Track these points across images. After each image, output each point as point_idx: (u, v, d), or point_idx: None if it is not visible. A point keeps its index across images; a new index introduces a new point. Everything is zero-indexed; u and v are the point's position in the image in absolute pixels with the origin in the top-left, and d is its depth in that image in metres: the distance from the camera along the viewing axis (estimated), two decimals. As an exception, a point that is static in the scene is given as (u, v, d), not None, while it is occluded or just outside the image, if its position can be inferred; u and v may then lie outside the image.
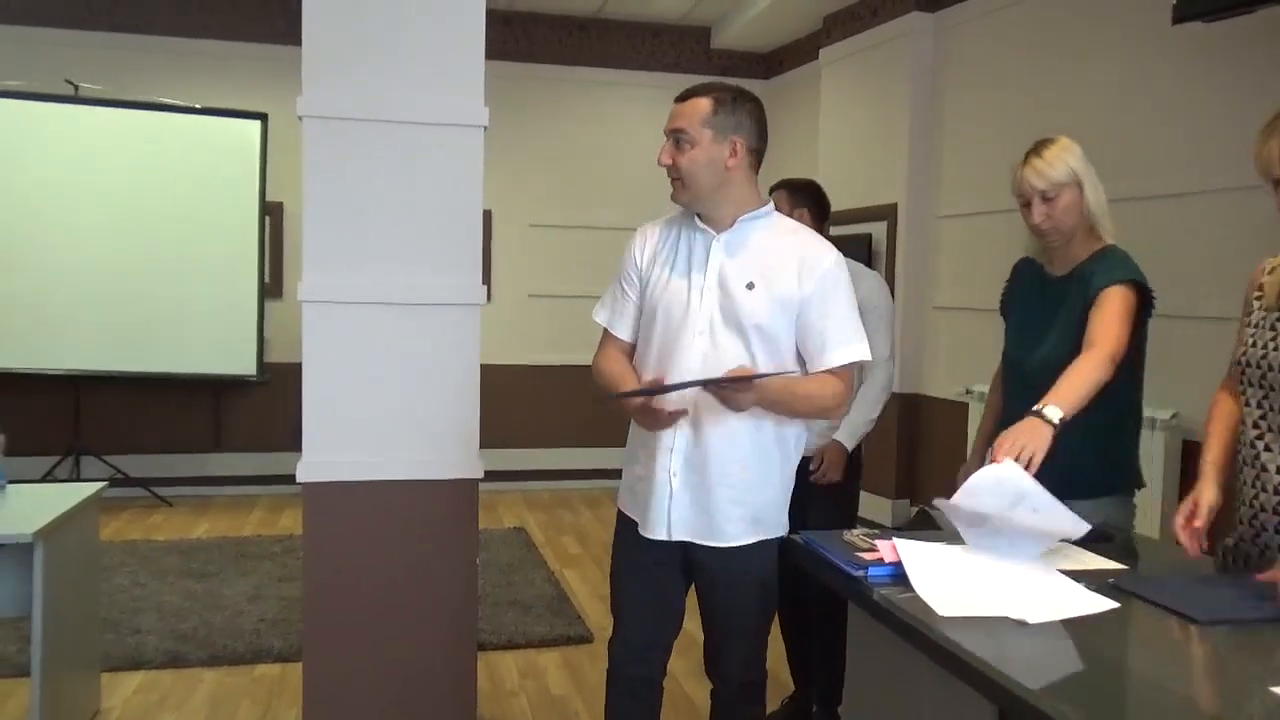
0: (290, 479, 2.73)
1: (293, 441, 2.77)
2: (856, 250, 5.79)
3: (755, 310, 2.12)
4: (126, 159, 6.11)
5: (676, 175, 2.17)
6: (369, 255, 2.70)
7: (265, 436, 6.64)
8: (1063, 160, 2.29)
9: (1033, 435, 1.98)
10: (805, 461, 3.03)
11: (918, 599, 1.66)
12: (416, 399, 2.75)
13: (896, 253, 5.92)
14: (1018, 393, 2.42)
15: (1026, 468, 1.89)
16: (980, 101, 5.45)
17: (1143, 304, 2.28)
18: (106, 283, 6.05)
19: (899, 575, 1.76)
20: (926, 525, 6.23)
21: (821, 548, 1.93)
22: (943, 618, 1.58)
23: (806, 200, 3.11)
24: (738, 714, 2.31)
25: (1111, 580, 1.78)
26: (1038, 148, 2.33)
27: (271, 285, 6.53)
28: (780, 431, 2.20)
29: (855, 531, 1.99)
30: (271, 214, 6.53)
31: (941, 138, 5.77)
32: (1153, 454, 3.80)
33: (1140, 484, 2.44)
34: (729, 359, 2.12)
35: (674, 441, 2.16)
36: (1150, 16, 4.18)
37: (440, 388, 2.76)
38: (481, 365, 2.83)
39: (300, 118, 2.66)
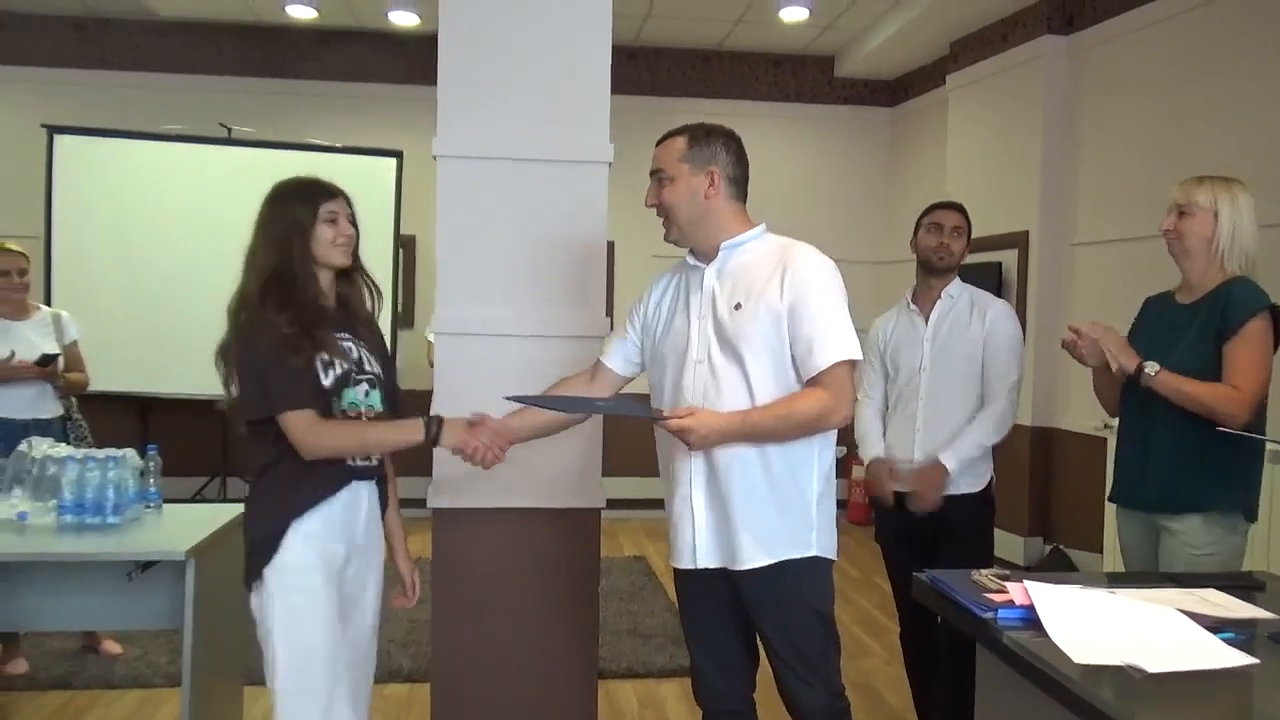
0: (420, 503, 2.82)
1: (423, 466, 2.86)
2: (986, 279, 5.64)
3: (744, 330, 2.13)
4: (273, 196, 6.45)
5: (664, 213, 2.23)
6: (498, 289, 2.79)
7: (396, 461, 6.86)
8: (1212, 190, 2.42)
9: (1122, 349, 2.39)
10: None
11: (1051, 644, 1.60)
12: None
13: (1028, 281, 5.74)
14: (1136, 408, 2.50)
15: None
16: (1118, 125, 5.26)
17: (1275, 331, 2.38)
18: (253, 313, 6.40)
19: (1030, 618, 1.70)
20: (1061, 565, 5.98)
21: (948, 587, 1.88)
22: (1079, 665, 1.52)
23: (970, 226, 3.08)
24: None
25: (1270, 633, 1.68)
26: (1210, 176, 2.46)
27: (404, 315, 6.78)
28: (787, 449, 2.16)
29: (984, 571, 1.94)
30: (405, 247, 6.79)
31: (1076, 163, 5.58)
32: (1274, 489, 3.56)
33: (1251, 516, 2.42)
34: (728, 385, 2.14)
35: (691, 470, 2.19)
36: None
37: (566, 419, 2.81)
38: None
39: (435, 157, 2.78)
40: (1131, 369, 2.38)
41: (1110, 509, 4.11)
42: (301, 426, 2.12)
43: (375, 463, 2.32)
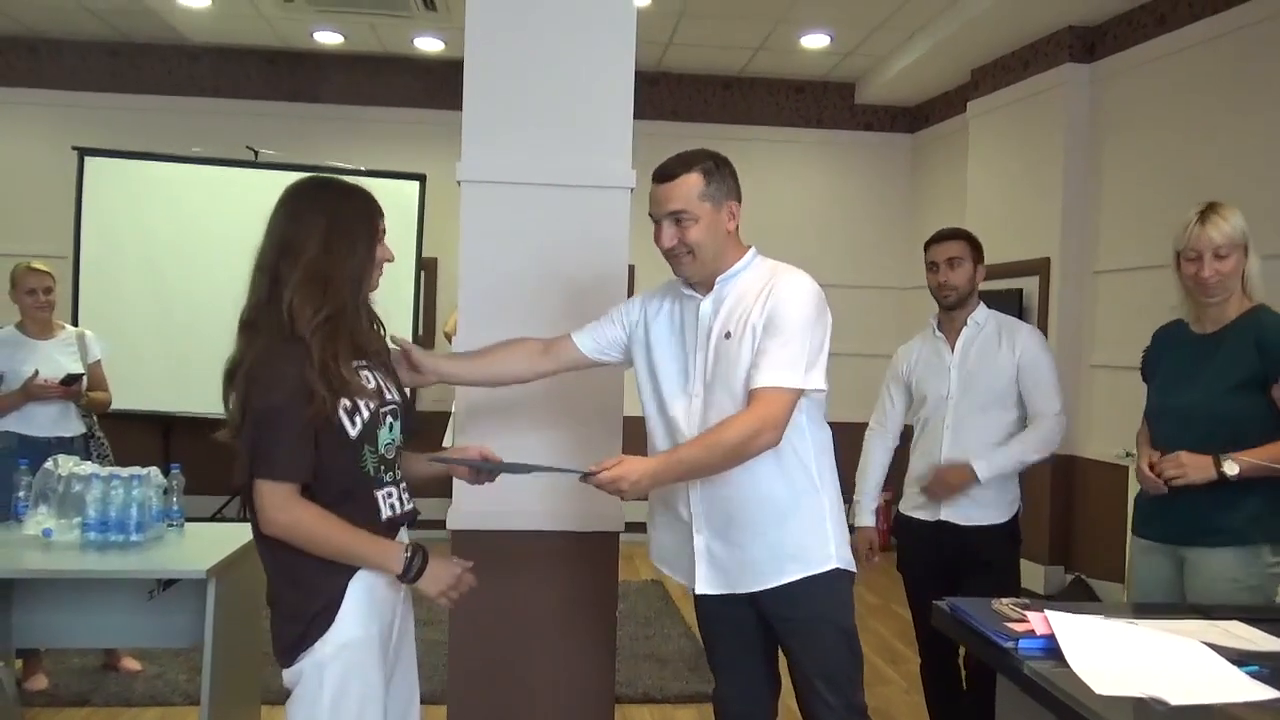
0: (438, 524, 2.83)
1: (443, 488, 2.87)
2: (1007, 306, 5.62)
3: (736, 359, 2.12)
4: (297, 218, 6.53)
5: (685, 251, 2.15)
6: (520, 312, 2.80)
7: (413, 484, 6.88)
8: (1237, 224, 2.40)
9: (1195, 469, 2.30)
10: (952, 535, 2.94)
11: (1072, 674, 1.59)
12: (561, 451, 2.81)
13: (1050, 308, 5.72)
14: (1169, 435, 2.46)
15: (1164, 479, 2.34)
16: (1140, 153, 5.25)
17: None
18: (276, 333, 6.46)
19: (1051, 648, 1.69)
20: (1083, 595, 5.90)
21: (969, 616, 1.87)
22: (1100, 696, 1.51)
23: (980, 255, 3.07)
24: None
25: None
26: (1216, 208, 2.42)
27: (424, 337, 6.82)
28: (785, 469, 2.14)
29: (1005, 600, 1.92)
30: (426, 269, 6.84)
31: (1098, 190, 5.57)
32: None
33: None
34: (721, 415, 2.11)
35: (689, 494, 2.17)
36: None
37: (584, 441, 2.82)
38: (623, 417, 2.88)
39: (459, 182, 2.80)
40: (1214, 476, 2.31)
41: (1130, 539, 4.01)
42: (275, 501, 1.83)
43: (411, 506, 2.06)
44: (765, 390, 2.06)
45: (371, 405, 1.94)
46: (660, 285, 2.37)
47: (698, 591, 2.21)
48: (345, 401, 1.87)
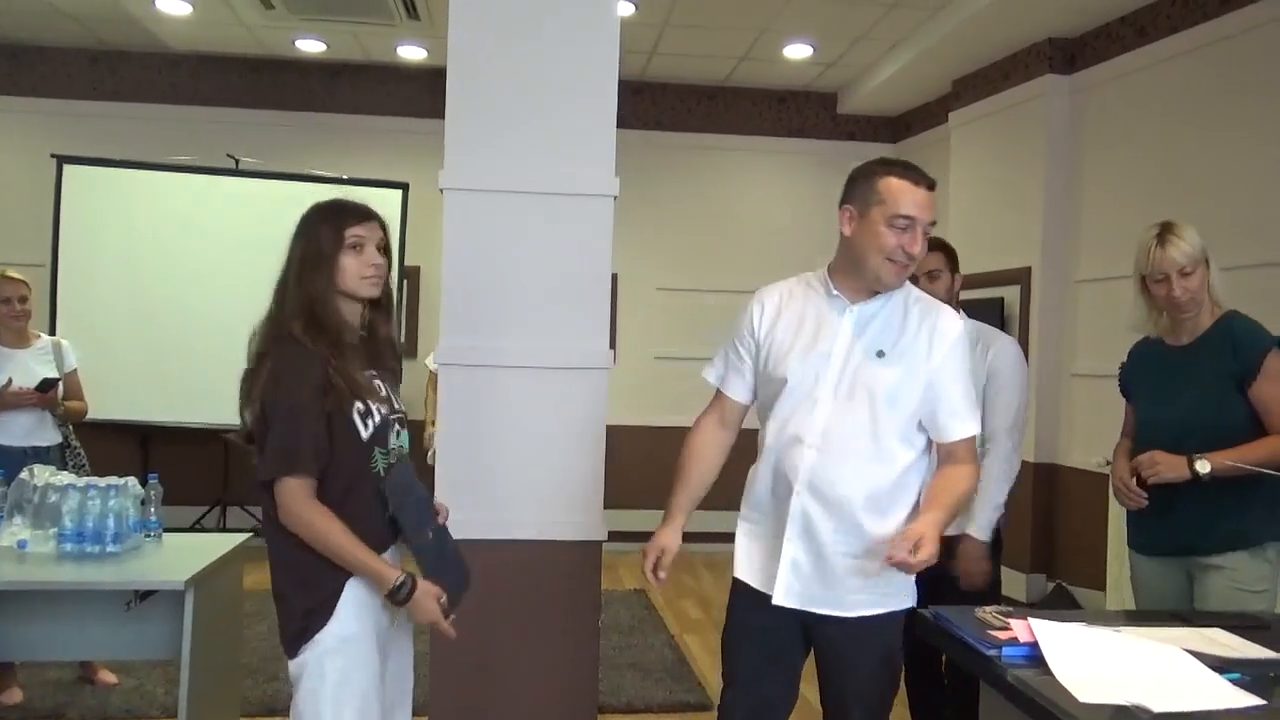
0: (422, 535, 2.81)
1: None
2: (988, 315, 5.66)
3: (884, 379, 2.10)
4: (279, 226, 6.46)
5: (911, 260, 2.12)
6: (502, 320, 2.80)
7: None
8: (1194, 240, 2.49)
9: (1168, 467, 2.38)
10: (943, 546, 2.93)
11: (1055, 682, 1.59)
12: (544, 460, 2.81)
13: (1030, 317, 5.75)
14: (1166, 447, 2.47)
15: (1141, 484, 2.43)
16: (1121, 163, 5.29)
17: None
18: (256, 342, 6.41)
19: (1034, 656, 1.69)
20: (1064, 603, 5.91)
21: (952, 624, 1.87)
22: (1083, 704, 1.51)
23: (956, 264, 3.07)
24: None
25: (1276, 674, 1.66)
26: (1171, 228, 2.51)
27: (407, 345, 6.79)
28: (897, 506, 2.13)
29: (988, 609, 1.92)
30: (409, 277, 6.82)
31: (1079, 200, 5.61)
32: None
33: None
34: (847, 427, 2.10)
35: (792, 506, 2.12)
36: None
37: (567, 450, 2.82)
38: (606, 426, 2.87)
39: (442, 190, 2.79)
40: (1188, 475, 2.38)
41: (1114, 548, 4.06)
42: (298, 495, 1.94)
43: None
44: (965, 440, 2.16)
45: (382, 411, 2.08)
46: (787, 284, 2.29)
47: (775, 603, 2.14)
48: (359, 404, 2.02)
